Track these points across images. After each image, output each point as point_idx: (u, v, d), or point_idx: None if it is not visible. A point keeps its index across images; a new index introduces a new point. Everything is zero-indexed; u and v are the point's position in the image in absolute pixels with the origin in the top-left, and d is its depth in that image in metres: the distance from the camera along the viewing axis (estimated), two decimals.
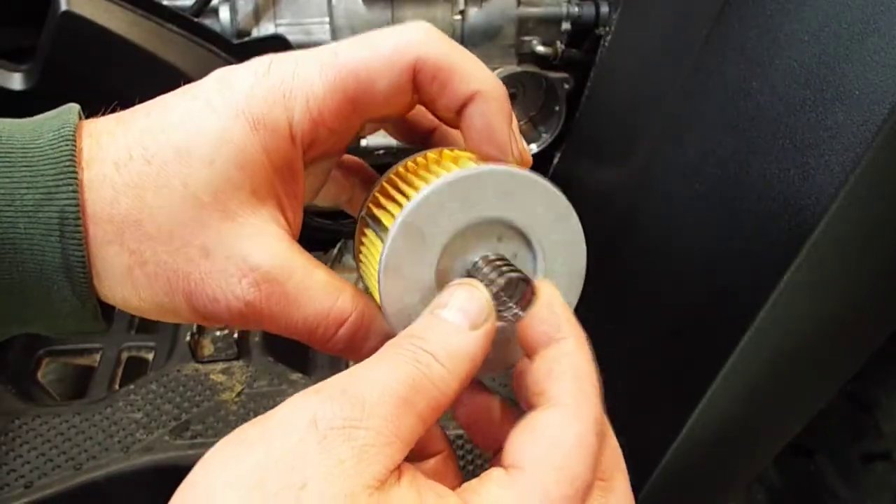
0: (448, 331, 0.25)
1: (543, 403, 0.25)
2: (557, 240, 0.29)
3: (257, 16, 0.70)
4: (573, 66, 0.71)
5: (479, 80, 0.27)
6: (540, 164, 0.78)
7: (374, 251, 0.29)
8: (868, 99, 0.35)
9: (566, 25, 0.69)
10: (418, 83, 0.27)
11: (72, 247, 0.26)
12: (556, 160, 0.78)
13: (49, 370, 0.73)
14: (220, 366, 0.67)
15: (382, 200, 0.29)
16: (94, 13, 0.62)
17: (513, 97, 0.72)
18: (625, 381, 0.63)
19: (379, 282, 0.27)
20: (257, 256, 0.27)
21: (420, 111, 0.32)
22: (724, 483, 0.65)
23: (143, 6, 0.65)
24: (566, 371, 0.25)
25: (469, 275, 0.28)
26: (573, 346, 0.26)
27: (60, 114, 0.27)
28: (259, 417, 0.22)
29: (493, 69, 0.69)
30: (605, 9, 0.69)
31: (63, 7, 0.60)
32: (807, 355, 0.48)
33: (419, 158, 0.31)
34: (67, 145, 0.26)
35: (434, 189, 0.26)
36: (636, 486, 0.64)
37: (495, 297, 0.27)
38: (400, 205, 0.27)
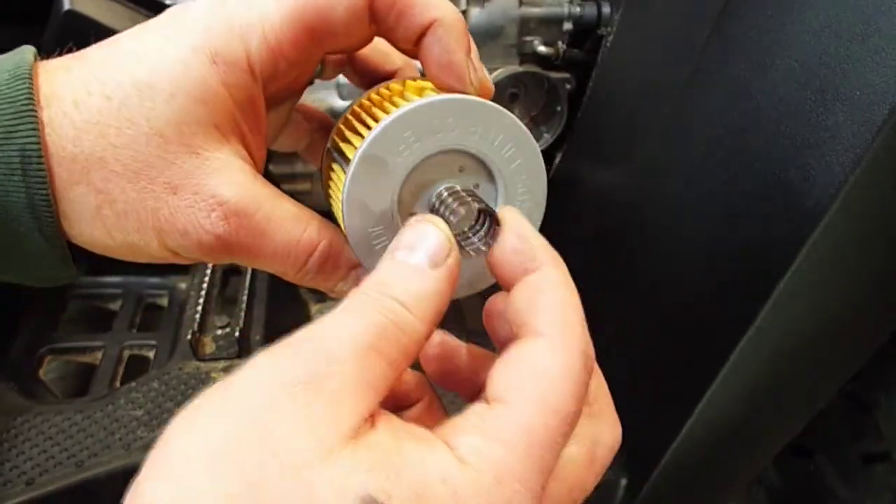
0: (410, 273, 0.24)
1: (526, 335, 0.24)
2: (518, 169, 0.28)
3: None
4: (575, 66, 0.71)
5: (436, 8, 0.27)
6: None
7: (339, 183, 0.29)
8: (868, 99, 0.35)
9: (568, 25, 0.69)
10: (376, 11, 0.27)
11: (36, 185, 0.25)
12: (557, 160, 0.78)
13: (51, 368, 0.73)
14: (222, 364, 0.67)
15: (346, 133, 0.30)
16: (98, 12, 0.62)
17: (514, 97, 0.72)
18: (625, 380, 0.63)
19: (343, 212, 0.28)
20: (225, 190, 0.27)
21: (380, 54, 0.32)
22: (724, 483, 0.65)
23: (145, 5, 0.65)
24: (548, 300, 0.25)
25: (432, 207, 0.28)
26: (553, 274, 0.25)
27: (15, 54, 0.27)
28: (221, 382, 0.21)
29: (495, 69, 0.69)
30: (606, 9, 0.69)
31: (66, 6, 0.60)
32: (807, 355, 0.48)
33: (382, 90, 0.31)
34: (24, 83, 0.26)
35: (393, 119, 0.26)
36: (636, 485, 0.64)
37: (458, 229, 0.27)
38: (362, 136, 0.27)
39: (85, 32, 0.62)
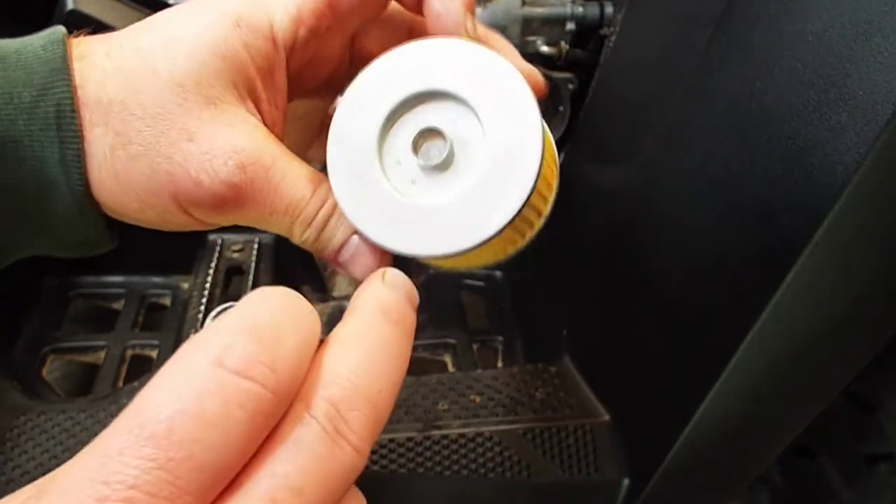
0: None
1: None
2: (498, 100, 0.27)
3: None
4: (578, 66, 0.71)
5: None
6: None
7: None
8: (872, 99, 0.35)
9: (570, 26, 0.69)
10: None
11: (68, 140, 0.27)
12: (559, 160, 0.78)
13: (54, 367, 0.73)
14: None
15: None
16: (101, 12, 0.62)
17: None
18: (626, 380, 0.63)
19: (327, 151, 0.28)
20: (242, 139, 0.27)
21: None
22: (727, 483, 0.65)
23: (149, 5, 0.65)
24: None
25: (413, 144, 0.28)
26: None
27: (47, 31, 0.29)
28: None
29: None
30: (609, 9, 0.69)
31: (69, 6, 0.61)
32: (810, 356, 0.48)
33: None
34: (58, 46, 0.27)
35: (373, 64, 0.28)
36: (639, 486, 0.64)
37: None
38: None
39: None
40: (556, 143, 0.75)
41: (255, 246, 0.84)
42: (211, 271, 0.80)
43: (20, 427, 0.59)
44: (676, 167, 0.53)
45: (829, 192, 0.38)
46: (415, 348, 0.85)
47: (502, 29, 0.69)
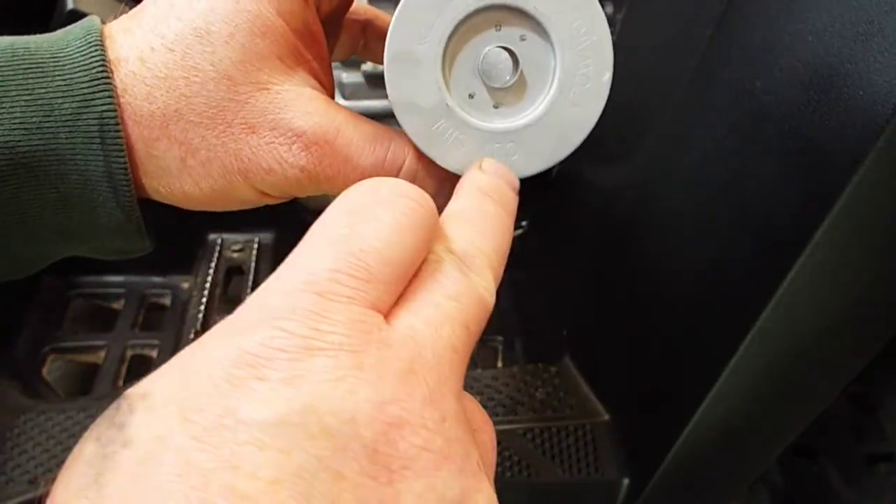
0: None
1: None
2: (567, 13, 0.26)
3: None
4: None
5: None
6: None
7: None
8: (871, 99, 0.35)
9: None
10: None
11: (114, 153, 0.26)
12: None
13: (54, 367, 0.73)
14: None
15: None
16: (101, 11, 0.62)
17: None
18: (626, 380, 0.63)
19: (400, 122, 0.27)
20: (301, 121, 0.27)
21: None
22: (727, 483, 0.65)
23: None
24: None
25: (480, 72, 0.27)
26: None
27: (83, 23, 0.28)
28: None
29: None
30: (609, 9, 0.69)
31: (70, 6, 0.61)
32: (810, 356, 0.48)
33: None
34: (97, 51, 0.26)
35: (400, 8, 0.25)
36: (639, 486, 0.64)
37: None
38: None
39: None
40: None
41: (255, 246, 0.84)
42: (211, 271, 0.79)
43: (20, 427, 0.59)
44: (676, 167, 0.53)
45: (829, 192, 0.38)
46: None
47: None
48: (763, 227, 0.43)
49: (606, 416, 0.63)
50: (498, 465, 0.61)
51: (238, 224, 0.86)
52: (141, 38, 0.27)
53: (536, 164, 0.29)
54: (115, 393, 0.64)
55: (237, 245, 0.84)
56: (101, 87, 0.25)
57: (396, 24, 0.26)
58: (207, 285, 0.77)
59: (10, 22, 0.68)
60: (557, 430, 0.62)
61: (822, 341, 0.47)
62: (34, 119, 0.25)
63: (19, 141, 0.24)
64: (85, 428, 0.65)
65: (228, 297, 0.79)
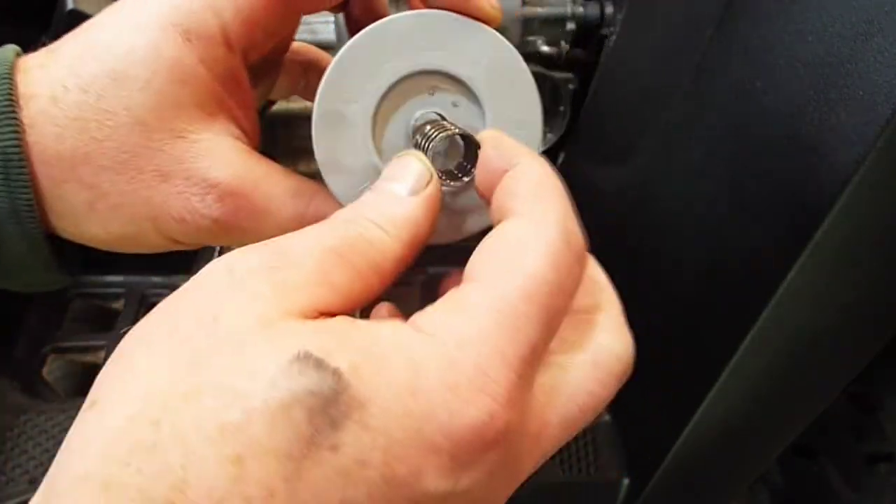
0: (385, 199, 0.23)
1: (501, 219, 0.23)
2: (502, 86, 0.25)
3: None
4: (578, 66, 0.71)
5: None
6: None
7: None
8: (872, 99, 0.35)
9: (571, 26, 0.69)
10: None
11: (18, 189, 0.25)
12: (560, 160, 0.78)
13: (54, 367, 0.73)
14: None
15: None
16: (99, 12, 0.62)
17: None
18: (627, 381, 0.63)
19: (326, 182, 0.26)
20: (216, 172, 0.26)
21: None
22: (727, 483, 0.65)
23: None
24: (524, 183, 0.23)
25: (413, 142, 0.26)
26: (529, 164, 0.24)
27: None
28: None
29: None
30: (609, 9, 0.69)
31: (70, 5, 0.61)
32: (810, 356, 0.48)
33: None
34: (4, 84, 0.25)
35: (332, 66, 0.24)
36: (639, 486, 0.64)
37: (439, 163, 0.25)
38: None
39: None
40: (556, 143, 0.75)
41: None
42: None
43: (20, 427, 0.59)
44: (676, 167, 0.53)
45: (829, 192, 0.38)
46: None
47: (503, 29, 0.69)
48: (763, 227, 0.43)
49: (606, 416, 0.63)
50: None
51: None
52: (55, 74, 0.25)
53: (461, 230, 0.27)
54: None
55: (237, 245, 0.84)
56: (5, 123, 0.24)
57: (328, 83, 0.25)
58: None
59: (11, 22, 0.68)
60: None
61: (822, 341, 0.47)
62: None
63: None
64: None
65: None
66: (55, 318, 0.78)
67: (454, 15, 0.25)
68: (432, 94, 0.26)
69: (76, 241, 0.28)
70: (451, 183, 0.25)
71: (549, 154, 0.75)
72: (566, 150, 0.77)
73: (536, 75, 0.71)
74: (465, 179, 0.25)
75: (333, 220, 0.22)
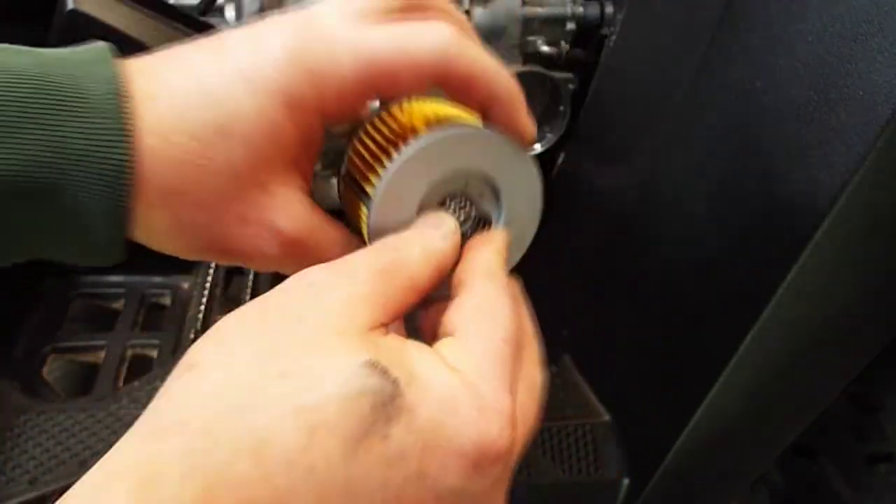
0: (426, 236, 0.28)
1: (459, 290, 0.28)
2: (519, 187, 0.31)
3: (263, 15, 0.70)
4: (578, 66, 0.71)
5: (498, 85, 0.30)
6: (544, 164, 0.78)
7: (356, 209, 0.31)
8: (871, 99, 0.35)
9: (571, 26, 0.69)
10: (440, 82, 0.29)
11: (121, 198, 0.27)
12: (560, 160, 0.78)
13: (54, 367, 0.73)
14: None
15: (361, 167, 0.31)
16: (101, 11, 0.62)
17: None
18: (626, 380, 0.63)
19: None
20: (284, 222, 0.30)
21: None
22: (727, 483, 0.65)
23: (149, 5, 0.65)
24: (475, 263, 0.29)
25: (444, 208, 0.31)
26: (482, 254, 0.29)
27: (98, 58, 0.28)
28: None
29: None
30: (609, 9, 0.69)
31: (70, 5, 0.61)
32: (810, 356, 0.48)
33: (394, 112, 0.32)
34: (114, 101, 0.27)
35: (403, 163, 0.29)
36: (639, 486, 0.64)
37: (462, 228, 0.31)
38: (378, 175, 0.29)
39: (89, 32, 0.63)
40: (556, 143, 0.75)
41: None
42: (211, 271, 0.79)
43: (20, 427, 0.59)
44: (676, 167, 0.53)
45: (829, 192, 0.38)
46: None
47: (502, 29, 0.69)
48: (763, 227, 0.43)
49: (606, 416, 0.64)
50: None
51: None
52: (167, 114, 0.27)
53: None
54: (114, 393, 0.64)
55: None
56: (118, 138, 0.26)
57: (378, 207, 0.29)
58: (207, 285, 0.77)
59: (11, 22, 0.68)
60: (557, 430, 0.62)
61: (823, 342, 0.47)
62: (46, 155, 0.26)
63: (31, 174, 0.25)
64: (85, 428, 0.65)
65: (228, 297, 0.79)
66: (55, 318, 0.78)
67: (504, 139, 0.30)
68: (466, 186, 0.31)
69: (149, 246, 0.30)
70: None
71: (549, 154, 0.75)
72: (566, 150, 0.77)
73: (536, 75, 0.71)
74: None
75: (383, 245, 0.27)
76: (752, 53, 0.45)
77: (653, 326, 0.58)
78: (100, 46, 0.29)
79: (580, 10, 0.69)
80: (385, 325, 0.25)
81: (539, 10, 0.69)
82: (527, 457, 0.61)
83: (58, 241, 0.28)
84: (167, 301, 0.82)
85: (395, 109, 0.32)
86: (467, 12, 0.68)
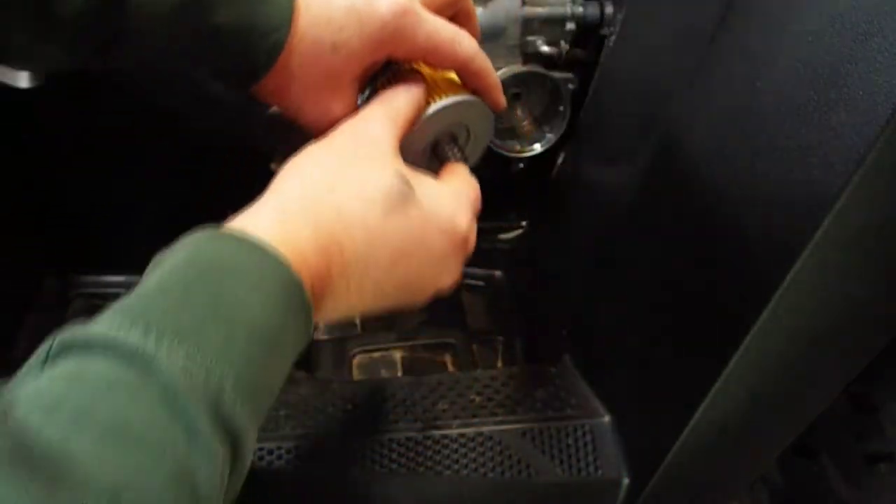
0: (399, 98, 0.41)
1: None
2: (483, 128, 0.46)
3: None
4: (577, 66, 0.71)
5: (488, 74, 0.44)
6: (544, 164, 0.78)
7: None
8: (871, 99, 0.35)
9: (570, 26, 0.69)
10: (455, 68, 0.43)
11: (280, 40, 0.38)
12: (560, 160, 0.78)
13: None
14: None
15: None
16: None
17: (517, 97, 0.72)
18: (626, 380, 0.63)
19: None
20: (340, 111, 0.42)
21: None
22: (727, 483, 0.65)
23: None
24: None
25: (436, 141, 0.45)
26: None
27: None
28: None
29: (498, 69, 0.69)
30: (609, 9, 0.69)
31: None
32: (810, 356, 0.48)
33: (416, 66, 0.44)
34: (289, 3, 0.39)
35: (442, 105, 0.43)
36: (639, 486, 0.64)
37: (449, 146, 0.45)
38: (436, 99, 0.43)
39: None
40: (556, 142, 0.75)
41: None
42: None
43: None
44: (676, 167, 0.53)
45: (829, 192, 0.38)
46: (415, 348, 0.85)
47: (502, 29, 0.69)
48: (763, 226, 0.43)
49: (606, 416, 0.64)
50: (498, 464, 0.61)
51: None
52: (316, 13, 0.39)
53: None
54: None
55: None
56: (289, 10, 0.38)
57: (437, 109, 0.43)
58: None
59: None
60: (557, 430, 0.62)
61: (822, 342, 0.47)
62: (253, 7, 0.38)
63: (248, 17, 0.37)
64: None
65: None
66: (55, 318, 0.78)
67: (484, 104, 0.45)
68: (457, 126, 0.46)
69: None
70: (447, 147, 0.46)
71: (549, 154, 0.75)
72: (566, 150, 0.77)
73: (536, 75, 0.71)
74: (455, 150, 0.46)
75: (393, 110, 0.40)
76: (752, 54, 0.45)
77: (653, 326, 0.58)
78: None
79: (580, 10, 0.69)
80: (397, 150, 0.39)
81: (539, 11, 0.69)
82: (527, 456, 0.61)
83: (247, 40, 0.38)
84: None
85: (416, 66, 0.44)
86: None
